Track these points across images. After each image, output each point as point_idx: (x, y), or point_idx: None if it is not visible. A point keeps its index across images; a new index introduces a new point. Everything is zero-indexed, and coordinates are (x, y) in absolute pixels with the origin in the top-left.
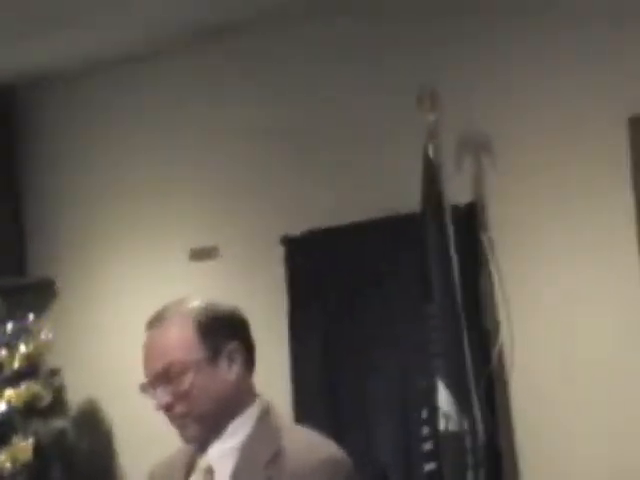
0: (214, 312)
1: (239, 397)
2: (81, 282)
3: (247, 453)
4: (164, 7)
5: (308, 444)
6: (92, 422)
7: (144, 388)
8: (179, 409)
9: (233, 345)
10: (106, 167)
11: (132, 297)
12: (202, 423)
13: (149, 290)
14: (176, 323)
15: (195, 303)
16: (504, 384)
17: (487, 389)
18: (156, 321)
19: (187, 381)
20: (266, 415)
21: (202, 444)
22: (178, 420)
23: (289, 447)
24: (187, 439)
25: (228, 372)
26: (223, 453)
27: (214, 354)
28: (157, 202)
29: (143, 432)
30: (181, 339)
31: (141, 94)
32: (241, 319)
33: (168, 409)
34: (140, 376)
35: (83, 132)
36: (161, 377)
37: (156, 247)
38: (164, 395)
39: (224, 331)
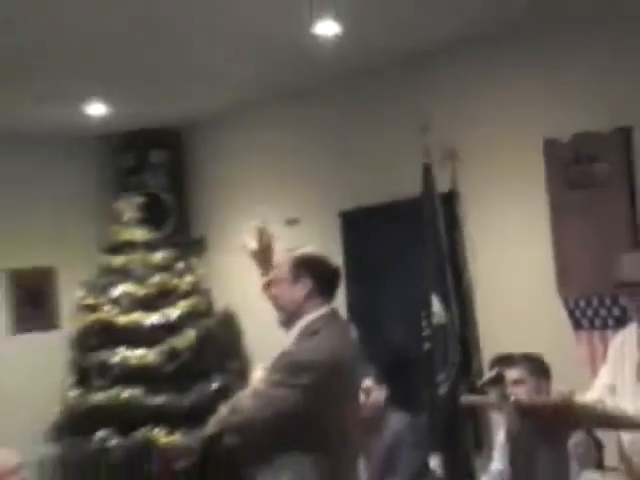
0: (302, 258)
1: (303, 306)
2: (220, 240)
3: (299, 336)
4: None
5: (307, 347)
6: (229, 322)
7: (262, 287)
8: (272, 301)
9: (305, 278)
10: (238, 178)
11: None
12: (283, 311)
13: None
14: (285, 259)
15: (297, 251)
16: (471, 296)
17: (461, 299)
18: (286, 253)
19: (281, 286)
20: (329, 317)
21: (286, 326)
22: (274, 305)
23: (292, 347)
24: (280, 323)
25: (296, 292)
26: (292, 334)
27: (294, 279)
28: (263, 193)
29: (259, 328)
30: (283, 267)
31: (256, 136)
32: (321, 264)
33: (273, 298)
34: (253, 295)
35: (224, 156)
36: (272, 282)
37: (271, 213)
38: (275, 289)
39: (303, 270)
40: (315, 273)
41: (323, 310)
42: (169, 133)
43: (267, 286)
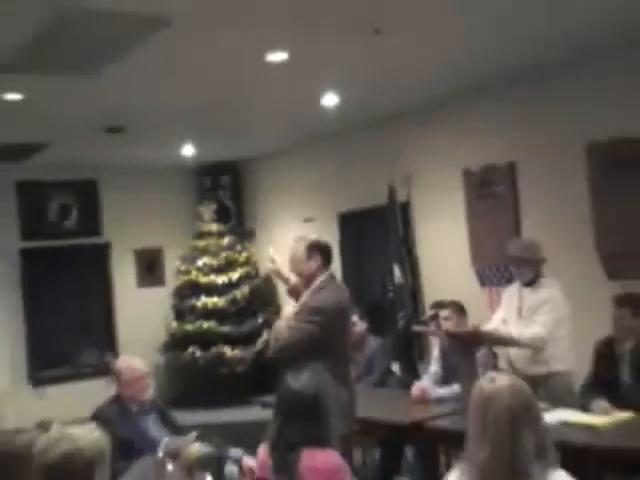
0: (314, 241)
1: (316, 272)
2: (263, 231)
3: (311, 292)
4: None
5: (322, 296)
6: (268, 280)
7: (271, 261)
8: (294, 271)
9: (316, 256)
10: (274, 193)
11: (281, 235)
12: (302, 280)
13: (289, 232)
14: (300, 242)
15: (308, 237)
16: (418, 265)
17: (412, 267)
18: (297, 239)
19: (298, 263)
20: (326, 280)
21: (305, 286)
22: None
23: (309, 298)
24: (288, 293)
25: (312, 264)
26: (308, 291)
27: (308, 257)
28: (290, 201)
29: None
30: (299, 249)
31: (285, 167)
32: (325, 246)
33: (293, 270)
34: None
35: (265, 180)
36: (290, 260)
37: (292, 217)
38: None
39: (315, 250)
40: (321, 251)
41: (326, 275)
42: (232, 165)
43: (289, 292)
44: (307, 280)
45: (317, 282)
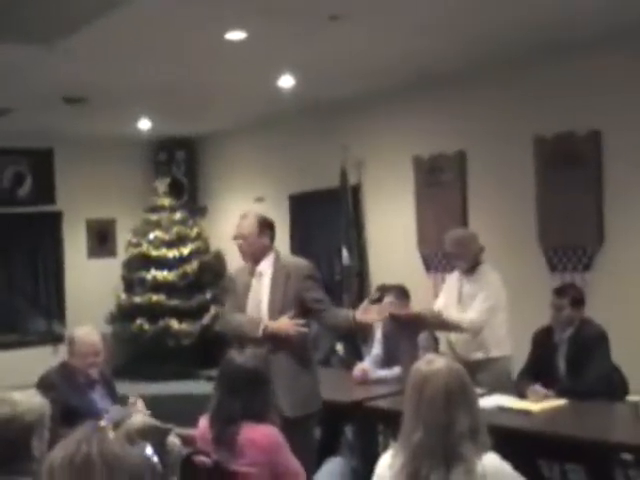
0: (264, 218)
1: (267, 249)
2: (215, 208)
3: (275, 267)
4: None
5: (296, 259)
6: (218, 256)
7: (234, 238)
8: (243, 248)
9: (267, 231)
10: (227, 171)
11: (232, 213)
12: (252, 255)
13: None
14: (251, 217)
15: (256, 213)
16: (366, 248)
17: (360, 250)
18: (243, 215)
19: (249, 239)
20: (277, 254)
21: (253, 263)
22: (242, 252)
23: (291, 261)
24: (245, 260)
25: (264, 241)
26: (264, 267)
27: (260, 232)
28: (243, 181)
29: (234, 260)
30: (251, 224)
31: (239, 147)
32: (272, 224)
33: (240, 247)
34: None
35: (220, 158)
36: (240, 236)
37: (244, 196)
38: (239, 241)
39: (265, 227)
40: (270, 229)
41: (275, 252)
42: (188, 141)
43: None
44: (255, 256)
45: (266, 258)
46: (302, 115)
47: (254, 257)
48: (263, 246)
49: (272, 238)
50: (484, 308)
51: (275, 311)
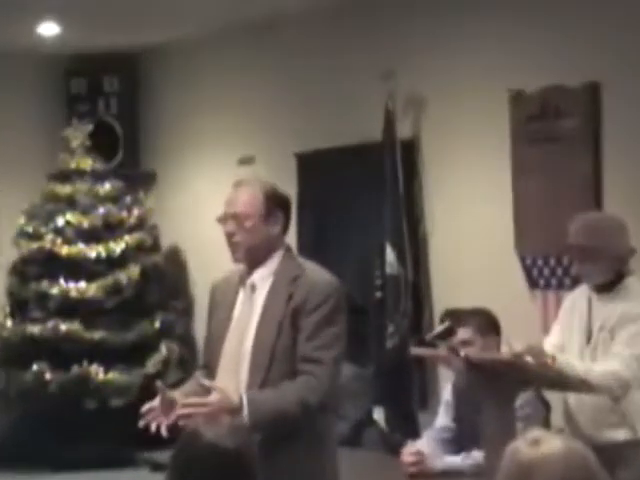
0: (276, 190)
1: (275, 243)
2: (171, 175)
3: (278, 276)
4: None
5: (319, 271)
6: (175, 257)
7: (220, 219)
8: (236, 238)
9: (278, 214)
10: (193, 111)
11: (200, 184)
12: (249, 252)
13: (212, 179)
14: (253, 187)
15: (261, 182)
16: (425, 248)
17: (415, 250)
18: (239, 183)
19: (248, 224)
20: (289, 253)
21: (249, 267)
22: (234, 246)
23: (307, 272)
24: (236, 259)
25: (272, 228)
26: (262, 276)
27: (268, 213)
28: (218, 130)
29: (206, 263)
30: (252, 198)
31: (213, 70)
32: (289, 201)
33: (230, 236)
34: (204, 233)
35: (180, 87)
36: (232, 216)
37: (219, 155)
38: (231, 226)
39: (275, 203)
40: (284, 209)
41: (283, 249)
42: (124, 59)
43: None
44: (254, 254)
45: (271, 258)
46: (317, 15)
47: (252, 256)
48: (269, 238)
49: (285, 226)
50: (636, 354)
51: (259, 361)
